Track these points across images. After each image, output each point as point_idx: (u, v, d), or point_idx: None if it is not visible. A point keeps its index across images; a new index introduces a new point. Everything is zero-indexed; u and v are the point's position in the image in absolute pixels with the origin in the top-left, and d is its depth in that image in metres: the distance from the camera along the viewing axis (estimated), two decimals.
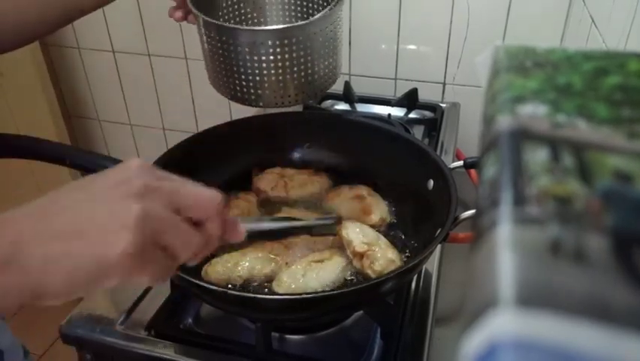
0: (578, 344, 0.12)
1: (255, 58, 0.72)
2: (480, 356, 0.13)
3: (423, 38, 1.20)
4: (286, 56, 0.72)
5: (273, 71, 0.73)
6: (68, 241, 0.34)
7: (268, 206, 0.81)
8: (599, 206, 0.16)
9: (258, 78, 0.74)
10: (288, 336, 0.67)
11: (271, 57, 0.72)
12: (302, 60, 0.74)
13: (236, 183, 0.83)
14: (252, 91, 0.75)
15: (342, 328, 0.68)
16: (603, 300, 0.13)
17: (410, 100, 1.13)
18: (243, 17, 0.90)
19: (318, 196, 0.83)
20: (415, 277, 0.73)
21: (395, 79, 1.26)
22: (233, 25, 0.77)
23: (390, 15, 1.19)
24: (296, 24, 0.77)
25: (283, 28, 0.73)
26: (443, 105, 1.15)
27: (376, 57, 1.25)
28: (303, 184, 0.83)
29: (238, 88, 0.76)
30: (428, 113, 1.13)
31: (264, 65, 0.73)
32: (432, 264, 0.76)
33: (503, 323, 0.13)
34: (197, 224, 0.39)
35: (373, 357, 0.64)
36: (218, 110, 1.44)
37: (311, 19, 0.74)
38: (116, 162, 0.71)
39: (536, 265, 0.14)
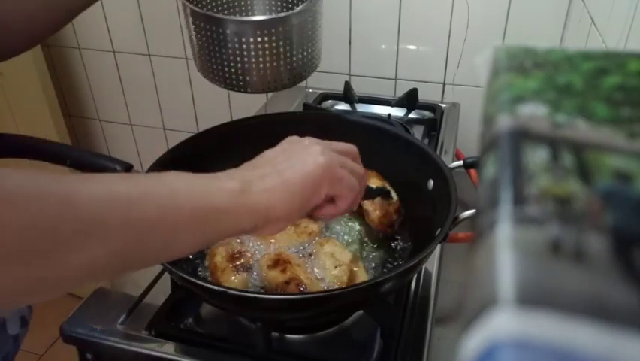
0: (577, 343, 0.12)
1: (239, 47, 0.76)
2: (479, 356, 0.13)
3: (423, 38, 1.20)
4: (267, 45, 0.76)
5: (255, 59, 0.77)
6: (280, 174, 0.48)
7: None
8: (599, 206, 0.16)
9: (241, 65, 0.78)
10: (288, 336, 0.67)
11: (253, 46, 0.76)
12: (282, 50, 0.78)
13: None
14: (239, 77, 0.80)
15: (342, 328, 0.68)
16: (603, 300, 0.13)
17: (410, 100, 1.13)
18: (228, 6, 0.94)
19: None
20: (415, 277, 0.74)
21: (395, 79, 1.26)
22: (219, 15, 0.80)
23: (390, 15, 1.19)
24: (278, 16, 0.80)
25: (266, 20, 0.77)
26: (443, 105, 1.16)
27: (376, 57, 1.25)
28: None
29: (226, 75, 0.80)
30: (428, 113, 1.13)
31: (248, 53, 0.77)
32: (432, 264, 0.76)
33: (502, 323, 0.13)
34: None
35: (373, 357, 0.64)
36: (218, 110, 1.44)
37: (292, 11, 0.78)
38: (116, 162, 0.72)
39: (536, 264, 0.14)
